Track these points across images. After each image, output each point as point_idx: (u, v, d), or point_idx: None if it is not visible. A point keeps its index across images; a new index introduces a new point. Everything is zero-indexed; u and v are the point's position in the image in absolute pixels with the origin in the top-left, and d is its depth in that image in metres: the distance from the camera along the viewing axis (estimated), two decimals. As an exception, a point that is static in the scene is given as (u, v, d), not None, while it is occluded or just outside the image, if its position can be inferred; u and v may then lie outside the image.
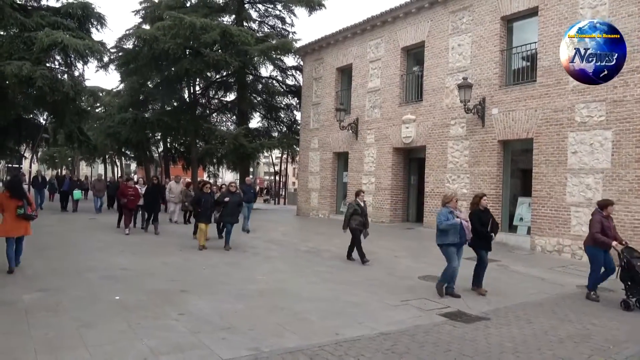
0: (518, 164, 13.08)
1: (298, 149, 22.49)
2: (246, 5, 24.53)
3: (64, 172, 30.90)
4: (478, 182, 13.10)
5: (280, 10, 25.23)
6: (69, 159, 50.42)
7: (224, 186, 16.42)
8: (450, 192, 7.62)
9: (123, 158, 43.34)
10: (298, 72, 24.63)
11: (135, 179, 13.80)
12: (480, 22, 13.29)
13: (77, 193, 18.33)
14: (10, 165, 43.39)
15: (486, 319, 6.03)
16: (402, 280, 8.05)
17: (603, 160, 10.46)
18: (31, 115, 23.01)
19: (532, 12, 12.19)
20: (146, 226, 12.89)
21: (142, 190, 12.97)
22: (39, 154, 44.13)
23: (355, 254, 9.63)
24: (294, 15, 26.11)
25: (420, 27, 15.18)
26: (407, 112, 15.47)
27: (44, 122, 23.19)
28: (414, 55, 16.03)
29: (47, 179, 22.16)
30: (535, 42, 12.02)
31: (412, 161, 16.55)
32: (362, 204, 9.64)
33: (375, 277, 8.25)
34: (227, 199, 10.33)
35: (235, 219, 10.56)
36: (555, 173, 11.34)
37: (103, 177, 21.63)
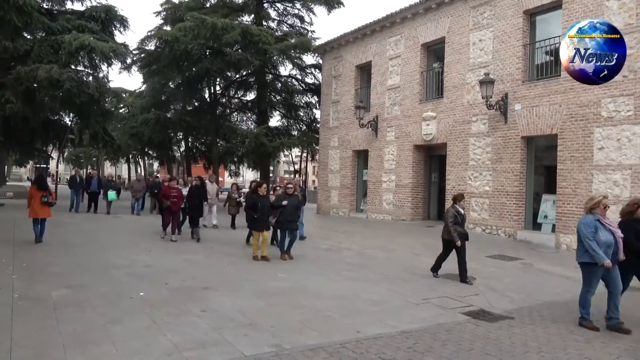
0: (542, 161, 12.82)
1: (318, 147, 22.48)
2: (265, 5, 24.60)
3: (89, 171, 31.31)
4: (501, 179, 12.90)
5: (299, 9, 25.23)
6: (94, 158, 51.62)
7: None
8: (597, 194, 5.92)
9: (146, 158, 44.12)
10: (317, 70, 24.60)
11: (178, 179, 12.86)
12: (502, 16, 13.06)
13: (111, 194, 17.08)
14: (38, 165, 44.69)
15: (510, 318, 5.94)
16: (424, 279, 8.00)
17: (631, 156, 10.17)
18: (57, 117, 23.60)
19: (556, 5, 11.92)
20: (192, 233, 11.31)
21: (184, 191, 11.83)
22: (65, 154, 45.29)
23: (441, 269, 8.23)
24: (313, 13, 26.13)
25: (440, 23, 15.01)
26: (427, 109, 15.32)
27: (69, 123, 23.74)
28: (434, 51, 15.85)
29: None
30: (560, 36, 11.74)
31: (433, 158, 16.39)
32: (462, 211, 8.11)
33: (396, 275, 8.21)
34: (284, 203, 9.23)
35: (295, 224, 9.49)
36: (580, 169, 11.08)
37: (142, 177, 20.53)
